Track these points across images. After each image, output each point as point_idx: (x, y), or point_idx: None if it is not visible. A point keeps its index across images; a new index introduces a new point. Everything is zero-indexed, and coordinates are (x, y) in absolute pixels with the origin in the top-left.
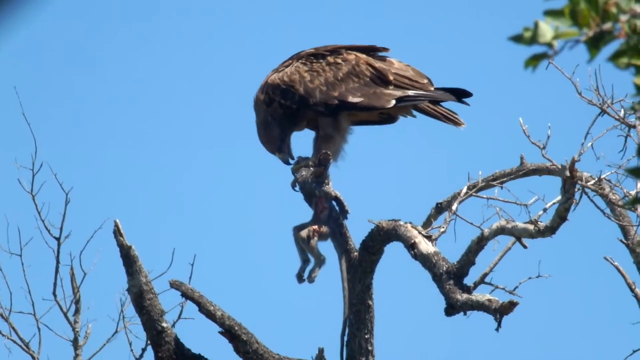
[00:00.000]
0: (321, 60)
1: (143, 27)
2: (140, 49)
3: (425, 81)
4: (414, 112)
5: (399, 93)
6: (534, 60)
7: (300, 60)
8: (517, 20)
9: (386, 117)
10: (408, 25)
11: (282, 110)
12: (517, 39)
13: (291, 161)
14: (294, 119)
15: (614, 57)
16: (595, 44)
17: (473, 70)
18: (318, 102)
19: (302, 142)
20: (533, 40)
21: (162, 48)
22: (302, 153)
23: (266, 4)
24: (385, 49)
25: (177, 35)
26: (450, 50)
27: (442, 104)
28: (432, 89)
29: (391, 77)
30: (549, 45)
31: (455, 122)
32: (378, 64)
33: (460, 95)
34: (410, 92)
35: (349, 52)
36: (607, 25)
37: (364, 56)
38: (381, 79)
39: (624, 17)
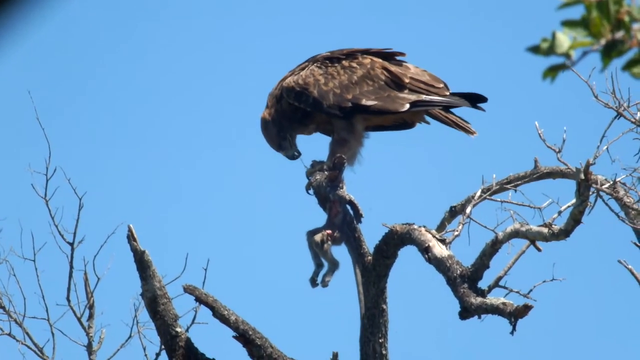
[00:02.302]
0: (336, 64)
1: (155, 33)
2: (154, 53)
3: (441, 86)
4: (428, 119)
5: (413, 97)
6: (552, 71)
7: (315, 64)
8: (533, 24)
9: (402, 122)
10: (424, 28)
11: (290, 108)
12: (535, 50)
13: (296, 155)
14: (303, 119)
15: (628, 66)
16: (607, 52)
17: (489, 73)
18: (332, 105)
19: (317, 146)
20: (550, 50)
21: (177, 51)
22: (316, 157)
23: (283, 5)
24: (401, 54)
25: (191, 40)
26: (466, 54)
27: (455, 111)
28: (448, 93)
29: (406, 81)
30: (567, 55)
31: (467, 131)
32: (394, 68)
33: (475, 100)
34: (425, 97)
35: (365, 56)
36: (620, 34)
37: (379, 60)
38: (396, 83)
39: (636, 26)
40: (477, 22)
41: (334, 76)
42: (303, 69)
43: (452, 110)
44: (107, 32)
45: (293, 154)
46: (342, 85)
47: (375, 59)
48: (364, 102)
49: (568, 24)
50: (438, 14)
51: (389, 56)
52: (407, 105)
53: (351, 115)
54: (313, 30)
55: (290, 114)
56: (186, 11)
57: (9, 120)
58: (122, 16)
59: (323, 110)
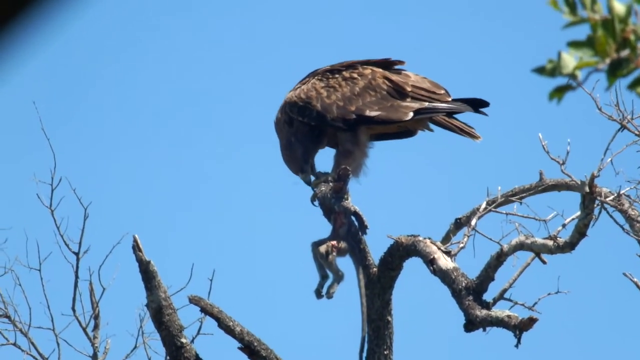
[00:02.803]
0: (337, 76)
1: (157, 41)
2: (159, 63)
3: (442, 92)
4: (431, 126)
5: (416, 105)
6: (558, 92)
7: (316, 77)
8: (538, 37)
9: (404, 129)
10: (426, 37)
11: (305, 129)
12: (540, 71)
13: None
14: (318, 137)
15: (633, 85)
16: (613, 71)
17: (492, 86)
18: (336, 118)
19: (323, 158)
20: (556, 71)
21: (183, 59)
22: (322, 169)
23: (286, 8)
24: (400, 62)
25: (195, 49)
26: (470, 67)
27: (459, 117)
28: (450, 99)
29: (408, 89)
30: (572, 75)
31: (472, 136)
32: (395, 77)
33: (477, 105)
34: (428, 104)
35: (365, 67)
36: (625, 53)
37: (380, 70)
38: (398, 91)
39: None
40: (480, 33)
41: (336, 88)
42: (304, 83)
43: (455, 116)
44: (110, 42)
45: (310, 180)
46: (345, 97)
47: (375, 69)
48: (368, 113)
49: (574, 44)
50: (440, 21)
51: (388, 65)
52: (411, 114)
53: (355, 126)
54: (325, 42)
55: (309, 134)
56: (183, 26)
57: (14, 130)
58: (126, 25)
59: (327, 123)
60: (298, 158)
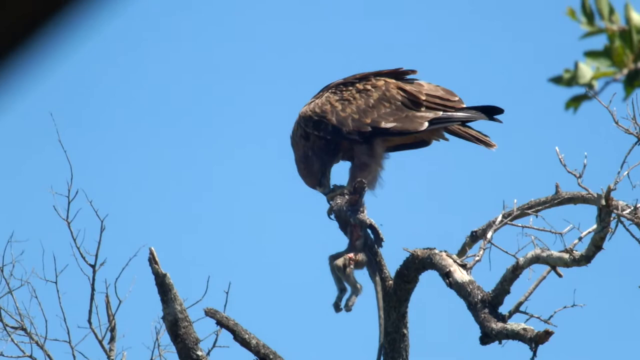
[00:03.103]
0: (351, 89)
1: (179, 57)
2: (180, 77)
3: (457, 99)
4: (447, 136)
5: (431, 115)
6: (574, 102)
7: (329, 91)
8: (556, 46)
9: (419, 140)
10: (441, 45)
11: (321, 142)
12: (557, 80)
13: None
14: (333, 150)
15: None
16: (630, 82)
17: (509, 97)
18: (351, 131)
19: (338, 170)
20: (573, 81)
21: (203, 75)
22: (338, 182)
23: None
24: (412, 72)
25: (214, 60)
26: (485, 77)
27: (474, 125)
28: (464, 106)
29: (423, 99)
30: (589, 85)
31: (487, 144)
32: (409, 87)
33: (491, 112)
34: (442, 114)
35: (378, 78)
36: None
37: (393, 81)
38: (413, 101)
39: None
40: (500, 46)
41: (351, 101)
42: (318, 98)
43: (470, 124)
44: (127, 55)
45: (328, 192)
46: (360, 110)
47: (389, 79)
48: (383, 124)
49: (591, 54)
50: (456, 31)
51: (400, 75)
52: (426, 124)
53: (371, 138)
54: (339, 53)
55: (325, 147)
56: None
57: (31, 142)
58: (146, 39)
59: (343, 137)
60: (315, 172)
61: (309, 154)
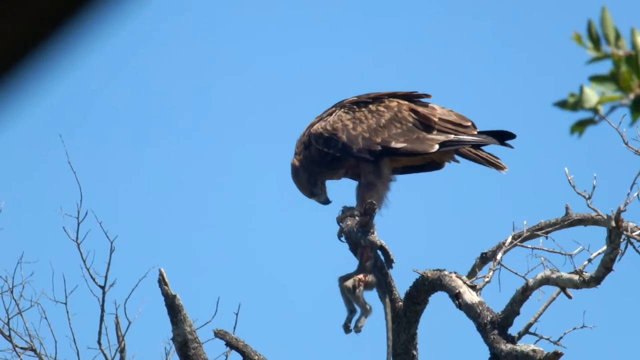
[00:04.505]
0: (363, 109)
1: (186, 71)
2: (188, 96)
3: (469, 124)
4: (457, 158)
5: (442, 138)
6: (579, 126)
7: (342, 109)
8: (564, 70)
9: (430, 161)
10: (451, 69)
11: (317, 155)
12: (562, 105)
13: (329, 200)
14: (330, 163)
15: None
16: (637, 107)
17: (518, 119)
18: (361, 149)
19: (342, 190)
20: (577, 105)
21: (209, 90)
22: (343, 202)
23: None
24: (427, 95)
25: (214, 66)
26: (495, 100)
27: (485, 148)
28: (476, 132)
29: (435, 121)
30: (595, 110)
31: (498, 167)
32: (421, 110)
33: (503, 137)
34: (454, 137)
35: (391, 99)
36: None
37: (406, 103)
38: (424, 124)
39: None
40: (509, 69)
41: (362, 120)
42: (330, 114)
43: (481, 147)
44: (134, 73)
45: (326, 199)
46: (371, 129)
47: (401, 101)
48: (394, 144)
49: (596, 79)
50: (465, 53)
51: (414, 98)
52: (437, 146)
53: (380, 158)
54: (355, 73)
55: (320, 160)
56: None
57: (41, 163)
58: (149, 57)
59: (352, 155)
60: (304, 183)
61: (304, 163)
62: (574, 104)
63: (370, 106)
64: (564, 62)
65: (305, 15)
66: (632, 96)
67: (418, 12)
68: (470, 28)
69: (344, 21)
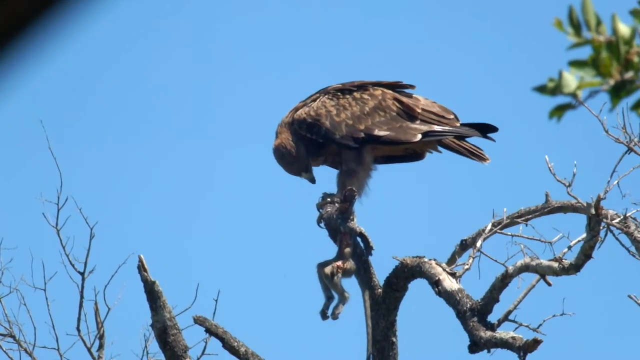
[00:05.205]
0: (347, 96)
1: (166, 59)
2: (169, 83)
3: (452, 117)
4: (440, 149)
5: (425, 128)
6: (558, 111)
7: (326, 95)
8: (545, 57)
9: (412, 152)
10: (435, 59)
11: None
12: (541, 89)
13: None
14: (319, 149)
15: (636, 106)
16: (617, 92)
17: (498, 106)
18: (345, 136)
19: (322, 176)
20: (557, 90)
21: (189, 80)
22: (323, 188)
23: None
24: (411, 86)
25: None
26: (475, 87)
27: (467, 139)
28: (458, 124)
29: (418, 112)
30: (573, 95)
31: (480, 158)
32: (405, 99)
33: (485, 130)
34: (436, 127)
35: (375, 87)
36: (629, 75)
37: (390, 92)
38: (408, 113)
39: None
40: (489, 56)
41: (346, 107)
42: (314, 100)
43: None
44: (116, 61)
45: (313, 178)
46: (355, 116)
47: (386, 90)
48: (377, 132)
49: (575, 64)
50: (447, 44)
51: (399, 88)
52: (419, 136)
53: (362, 145)
54: (338, 60)
55: (308, 141)
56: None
57: (20, 149)
58: (131, 43)
59: (335, 141)
60: (302, 157)
61: (295, 139)
62: (553, 88)
63: (355, 94)
64: (544, 49)
65: (303, 14)
66: (612, 82)
67: (400, 3)
68: (449, 15)
69: (343, 21)
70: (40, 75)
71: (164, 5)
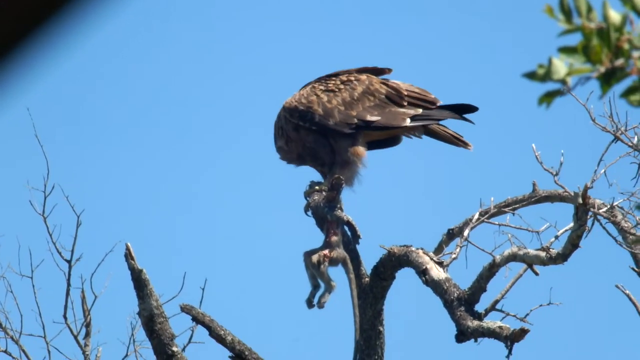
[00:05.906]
0: (335, 79)
1: (154, 50)
2: (153, 70)
3: (433, 97)
4: (421, 135)
5: (412, 111)
6: (547, 97)
7: (315, 81)
8: (534, 45)
9: (389, 138)
10: (416, 41)
11: (309, 137)
12: (531, 76)
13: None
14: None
15: (626, 94)
16: (607, 80)
17: (486, 95)
18: (339, 122)
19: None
20: (546, 77)
21: (177, 70)
22: (311, 177)
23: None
24: (388, 70)
25: (188, 59)
26: (462, 75)
27: (450, 125)
28: (440, 104)
29: (405, 94)
30: (563, 81)
31: (463, 143)
32: (391, 82)
33: (465, 111)
34: (422, 111)
35: (360, 73)
36: (620, 62)
37: (374, 77)
38: (395, 97)
39: (636, 54)
40: (476, 43)
41: (336, 92)
42: (303, 89)
43: (447, 124)
44: (103, 50)
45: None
46: (346, 102)
47: (370, 75)
48: (369, 117)
49: (564, 50)
50: (432, 29)
51: (375, 73)
52: (408, 120)
53: (356, 132)
54: (309, 35)
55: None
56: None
57: (7, 136)
58: (119, 35)
59: (329, 128)
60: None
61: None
62: (543, 75)
63: (342, 77)
64: (534, 36)
65: (302, 14)
66: (602, 69)
67: None
68: None
69: (343, 20)
70: (41, 75)
71: (160, 2)
